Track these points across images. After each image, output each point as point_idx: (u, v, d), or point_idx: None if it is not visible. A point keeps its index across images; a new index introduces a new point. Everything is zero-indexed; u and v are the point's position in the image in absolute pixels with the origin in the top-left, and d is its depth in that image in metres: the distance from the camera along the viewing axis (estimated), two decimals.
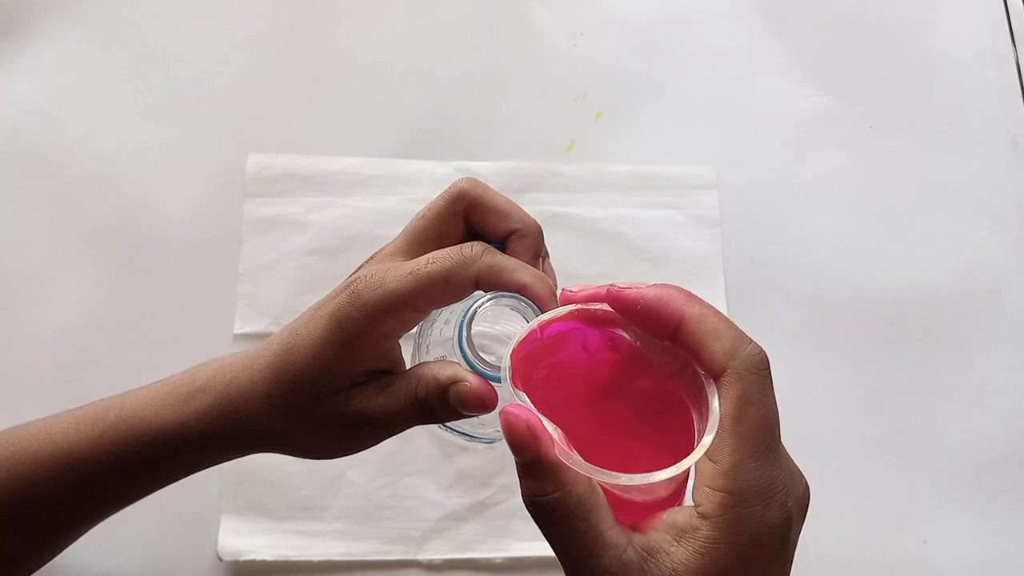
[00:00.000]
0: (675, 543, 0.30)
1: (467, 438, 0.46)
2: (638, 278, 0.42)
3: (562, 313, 0.35)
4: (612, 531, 0.31)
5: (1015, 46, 0.76)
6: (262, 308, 0.64)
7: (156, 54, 0.71)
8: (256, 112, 0.69)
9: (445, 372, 0.37)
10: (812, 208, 0.71)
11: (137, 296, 0.64)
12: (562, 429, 0.31)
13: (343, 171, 0.67)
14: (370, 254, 0.42)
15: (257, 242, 0.65)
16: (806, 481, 0.34)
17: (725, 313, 0.35)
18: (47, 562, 0.47)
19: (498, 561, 0.60)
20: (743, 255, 0.68)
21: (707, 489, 0.30)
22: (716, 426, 0.31)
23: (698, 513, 0.30)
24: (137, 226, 0.66)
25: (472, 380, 0.36)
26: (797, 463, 0.34)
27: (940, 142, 0.73)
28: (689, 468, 0.31)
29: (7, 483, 0.42)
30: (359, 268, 0.41)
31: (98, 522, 0.46)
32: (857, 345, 0.68)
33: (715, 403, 0.31)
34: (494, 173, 0.68)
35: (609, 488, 0.32)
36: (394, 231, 0.65)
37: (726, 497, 0.30)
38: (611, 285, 0.34)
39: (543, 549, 0.59)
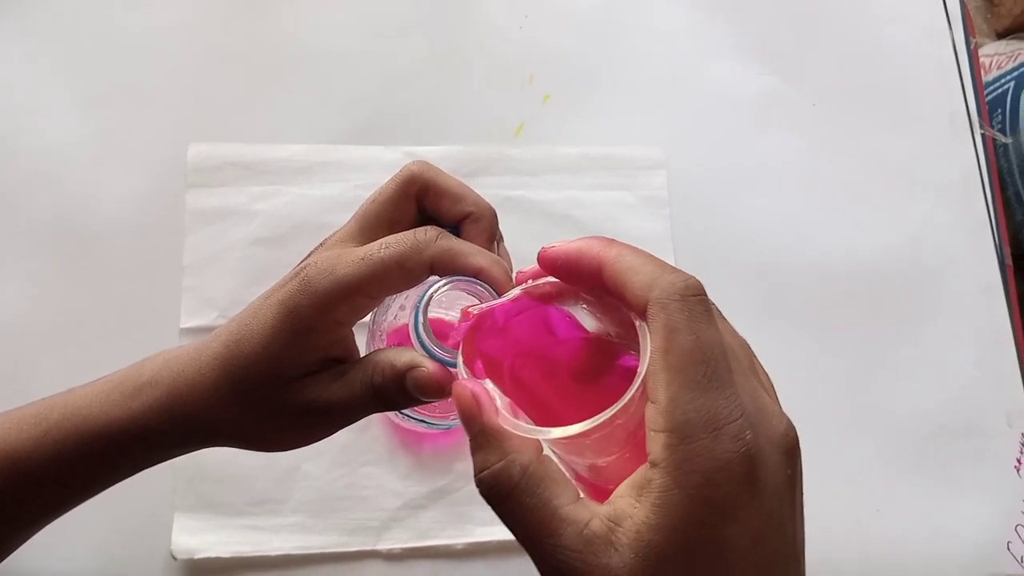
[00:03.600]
0: (636, 503, 0.28)
1: (424, 424, 0.46)
2: None
3: (512, 295, 0.35)
4: (570, 507, 0.29)
5: (950, 24, 0.78)
6: (208, 301, 0.62)
7: (89, 43, 0.68)
8: (196, 100, 0.68)
9: (402, 358, 0.36)
10: (758, 187, 0.72)
11: (79, 292, 0.62)
12: (532, 411, 0.31)
13: (288, 159, 0.66)
14: (318, 242, 0.41)
15: (201, 234, 0.63)
16: (788, 421, 0.31)
17: None
18: None
19: (459, 547, 0.59)
20: (692, 235, 0.69)
21: (653, 433, 0.28)
22: (646, 365, 0.29)
23: (650, 463, 0.28)
24: (76, 221, 0.64)
25: (429, 366, 0.36)
26: None
27: (882, 119, 0.75)
28: (625, 418, 0.29)
29: None
30: (309, 255, 0.40)
31: (44, 525, 0.44)
32: (806, 321, 0.69)
33: (644, 341, 0.29)
34: (443, 158, 0.67)
35: (570, 461, 0.32)
36: (342, 219, 0.64)
37: (668, 436, 0.27)
38: (542, 249, 0.34)
39: (504, 533, 0.58)
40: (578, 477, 0.32)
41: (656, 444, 0.28)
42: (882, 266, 0.71)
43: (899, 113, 0.75)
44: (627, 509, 0.28)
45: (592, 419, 0.29)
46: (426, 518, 0.60)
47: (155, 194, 0.65)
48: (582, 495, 0.30)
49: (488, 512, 0.58)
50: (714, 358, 0.28)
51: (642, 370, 0.29)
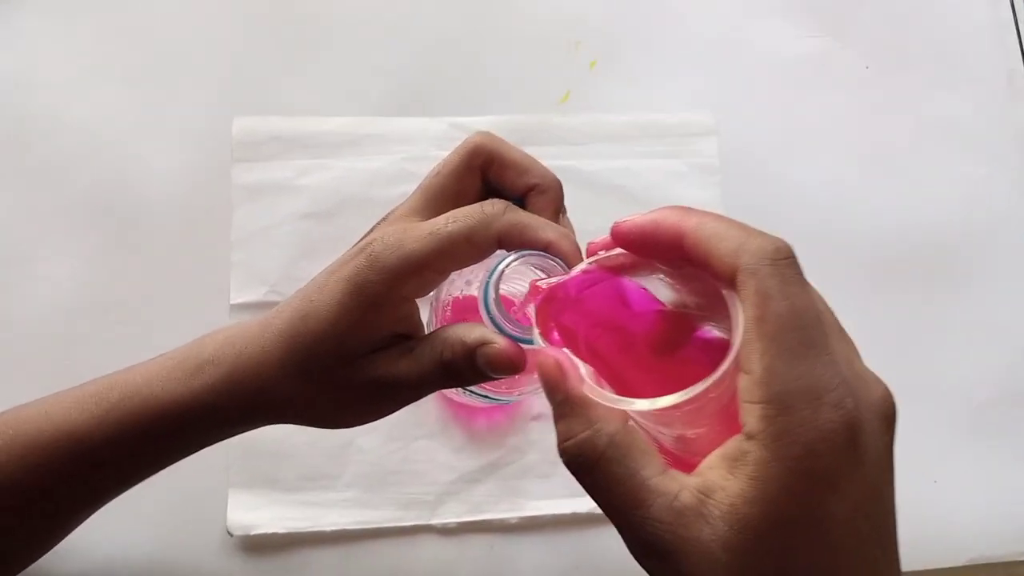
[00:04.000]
0: (730, 475, 0.27)
1: (486, 399, 0.45)
2: None
3: (584, 267, 0.34)
4: (659, 478, 0.28)
5: None
6: (258, 276, 0.62)
7: (132, 16, 0.67)
8: (240, 73, 0.67)
9: (472, 334, 0.35)
10: (811, 151, 0.70)
11: (127, 270, 0.62)
12: (611, 384, 0.30)
13: (333, 131, 0.65)
14: (366, 216, 0.41)
15: (249, 208, 0.63)
16: (885, 388, 0.30)
17: None
18: (51, 548, 0.45)
19: (513, 521, 0.59)
20: (743, 202, 0.67)
21: (747, 405, 0.27)
22: (740, 334, 0.28)
23: (745, 435, 0.27)
24: (122, 197, 0.63)
25: (501, 342, 0.35)
26: None
27: (937, 80, 0.72)
28: (719, 391, 0.28)
29: (6, 468, 0.40)
30: (372, 230, 0.39)
31: (104, 504, 0.44)
32: (859, 288, 0.67)
33: (736, 311, 0.28)
34: (489, 128, 0.63)
35: (654, 432, 0.31)
36: (389, 192, 0.64)
37: (766, 408, 0.27)
38: (614, 223, 0.33)
39: (558, 507, 0.59)
40: (661, 448, 0.31)
41: (752, 416, 0.27)
42: (937, 230, 0.69)
43: (955, 73, 0.73)
44: (719, 481, 0.28)
45: (685, 391, 0.28)
46: (480, 492, 0.59)
47: (200, 169, 0.64)
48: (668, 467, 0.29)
49: (542, 486, 0.59)
50: (810, 324, 0.28)
51: (736, 340, 0.28)
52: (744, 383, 0.28)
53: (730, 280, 0.29)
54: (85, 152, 0.64)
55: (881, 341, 0.66)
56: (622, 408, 0.29)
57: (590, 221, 0.64)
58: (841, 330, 0.31)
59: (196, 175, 0.64)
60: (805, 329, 0.27)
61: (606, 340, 0.32)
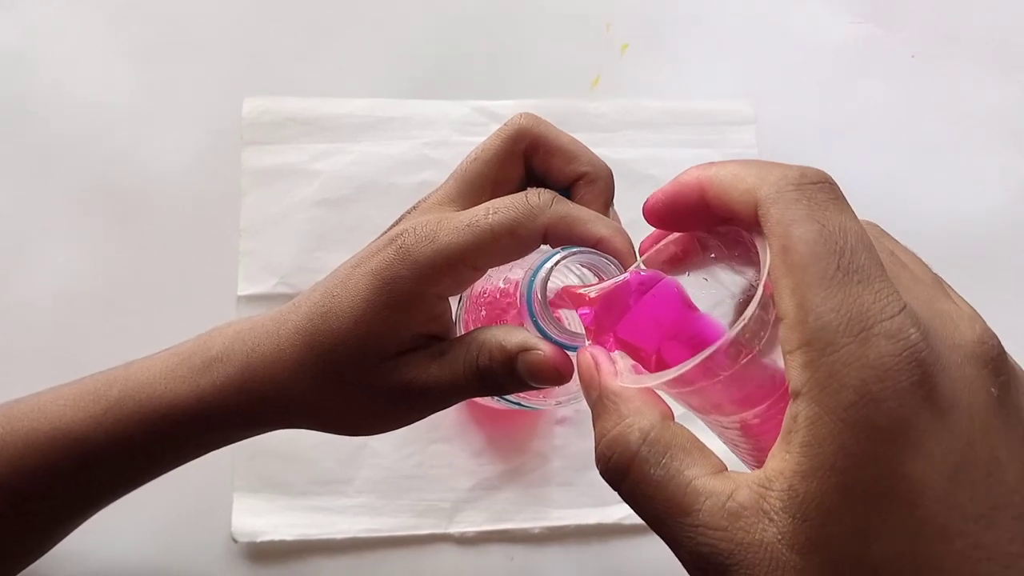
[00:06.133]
0: (786, 454, 0.22)
1: (517, 406, 0.42)
2: None
3: (634, 269, 0.30)
4: (706, 478, 0.24)
5: None
6: (268, 267, 0.58)
7: None
8: (253, 51, 0.63)
9: (512, 339, 0.32)
10: (853, 142, 0.67)
11: (130, 258, 0.59)
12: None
13: (350, 114, 0.61)
14: (383, 203, 0.37)
15: (259, 195, 0.60)
16: (986, 327, 0.24)
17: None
18: (45, 552, 0.43)
19: (535, 531, 0.56)
20: None
21: (788, 357, 0.22)
22: (766, 273, 0.23)
23: (792, 395, 0.22)
24: (126, 181, 0.60)
25: (545, 348, 0.31)
26: None
27: (986, 70, 0.69)
28: (753, 346, 0.24)
29: None
30: (401, 219, 0.36)
31: (101, 508, 0.41)
32: None
33: (764, 252, 0.24)
34: (514, 113, 0.62)
35: (726, 432, 0.27)
36: (409, 179, 0.60)
37: (805, 352, 0.21)
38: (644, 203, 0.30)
39: (583, 517, 0.56)
40: (742, 457, 0.27)
41: (794, 368, 0.22)
42: (984, 227, 0.66)
43: (1005, 63, 0.69)
44: (778, 465, 0.22)
45: (708, 349, 0.23)
46: (500, 500, 0.56)
47: (209, 152, 0.61)
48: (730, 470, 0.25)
49: (566, 494, 0.55)
50: (850, 248, 0.22)
51: (762, 281, 0.23)
52: (782, 332, 0.23)
53: (754, 222, 0.24)
54: (86, 133, 0.61)
55: None
56: (645, 385, 0.26)
57: (621, 213, 0.61)
58: (939, 282, 0.26)
59: (204, 158, 0.61)
60: (843, 253, 0.22)
61: (676, 352, 0.29)
